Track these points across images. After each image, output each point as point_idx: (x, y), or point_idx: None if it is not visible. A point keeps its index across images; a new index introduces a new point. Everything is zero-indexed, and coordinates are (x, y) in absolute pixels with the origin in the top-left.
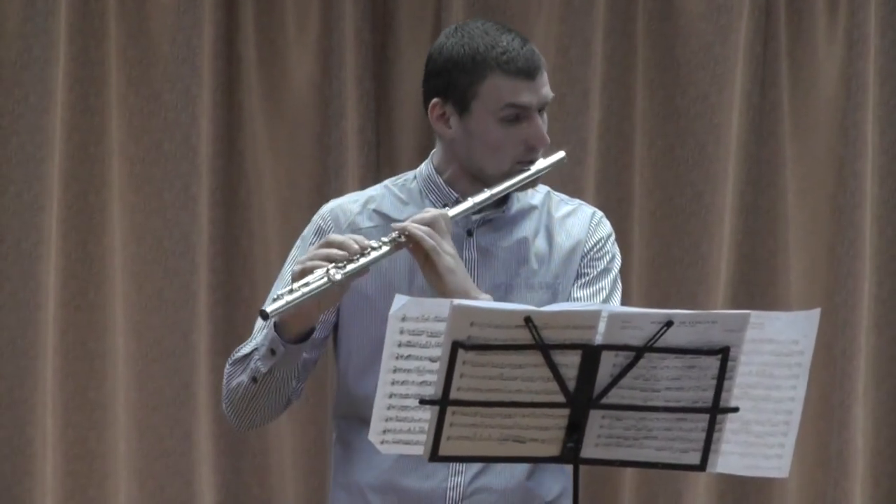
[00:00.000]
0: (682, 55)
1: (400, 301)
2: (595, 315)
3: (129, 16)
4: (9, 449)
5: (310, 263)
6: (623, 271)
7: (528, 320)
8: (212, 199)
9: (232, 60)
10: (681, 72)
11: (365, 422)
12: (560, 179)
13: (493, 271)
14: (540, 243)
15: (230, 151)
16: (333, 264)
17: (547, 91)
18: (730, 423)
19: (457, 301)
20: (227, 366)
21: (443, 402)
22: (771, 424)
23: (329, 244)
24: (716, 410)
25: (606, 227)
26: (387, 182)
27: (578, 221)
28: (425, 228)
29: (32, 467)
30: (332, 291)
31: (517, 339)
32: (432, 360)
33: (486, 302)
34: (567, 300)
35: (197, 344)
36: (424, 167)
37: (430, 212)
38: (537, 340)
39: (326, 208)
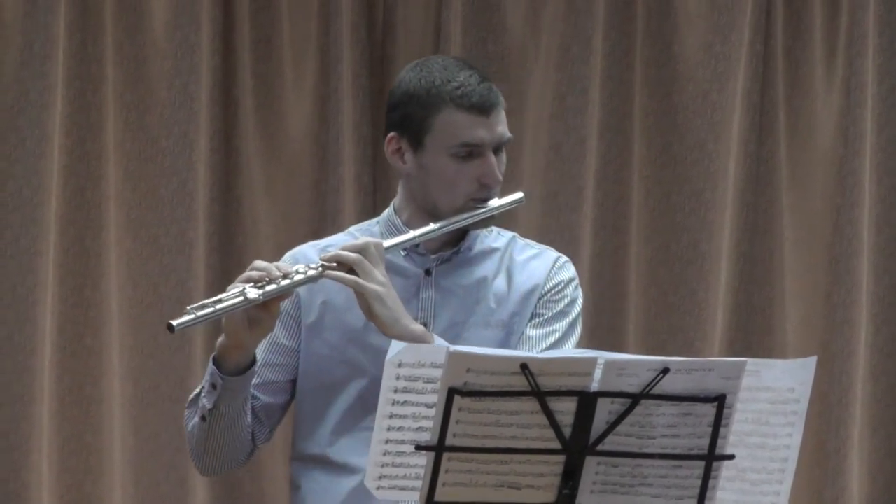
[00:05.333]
0: (680, 102)
1: (396, 347)
2: (591, 362)
3: (126, 61)
4: (4, 493)
5: (230, 287)
6: (620, 317)
7: (524, 367)
8: (208, 244)
9: (229, 106)
10: (678, 119)
11: (315, 461)
12: (557, 227)
13: (452, 310)
14: (499, 283)
15: (227, 197)
16: (251, 284)
17: (503, 130)
18: (725, 470)
19: (453, 347)
20: (185, 410)
21: (438, 448)
22: (766, 472)
23: (252, 269)
24: (711, 458)
25: (569, 272)
26: (351, 228)
27: (541, 264)
28: (354, 255)
29: None
30: (263, 319)
31: (513, 385)
32: (428, 405)
33: (482, 348)
34: (520, 339)
35: (192, 389)
36: (386, 211)
37: (362, 239)
38: (533, 387)
39: (288, 254)
